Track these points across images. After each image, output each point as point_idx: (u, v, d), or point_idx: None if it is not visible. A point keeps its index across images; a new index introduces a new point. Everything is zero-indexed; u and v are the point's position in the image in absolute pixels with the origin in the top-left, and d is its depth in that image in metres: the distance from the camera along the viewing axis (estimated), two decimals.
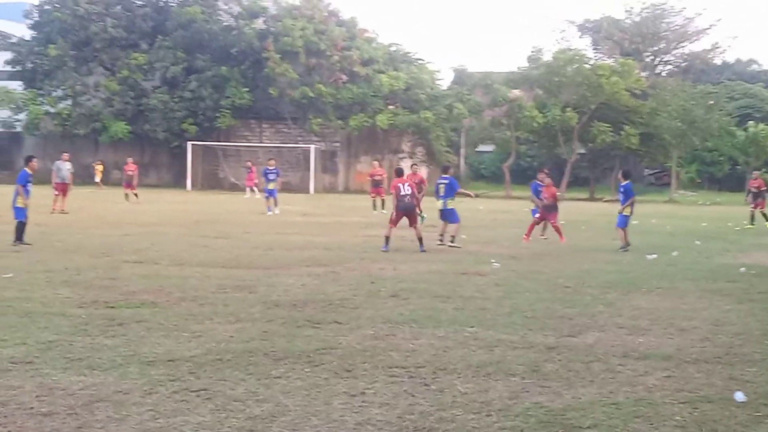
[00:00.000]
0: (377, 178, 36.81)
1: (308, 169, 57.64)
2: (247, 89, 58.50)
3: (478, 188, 63.18)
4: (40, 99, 59.39)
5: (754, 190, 34.00)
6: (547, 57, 62.42)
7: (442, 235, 22.65)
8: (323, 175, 60.04)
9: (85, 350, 9.54)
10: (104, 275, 15.41)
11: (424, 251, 20.57)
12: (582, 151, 63.47)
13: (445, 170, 23.85)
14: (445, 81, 68.11)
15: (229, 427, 7.13)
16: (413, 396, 8.15)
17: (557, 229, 24.42)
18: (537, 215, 25.42)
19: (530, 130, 61.86)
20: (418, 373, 8.97)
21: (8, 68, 61.06)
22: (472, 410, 7.73)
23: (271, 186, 34.84)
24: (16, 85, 60.61)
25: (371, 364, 9.28)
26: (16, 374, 8.48)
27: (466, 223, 30.70)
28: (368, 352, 9.79)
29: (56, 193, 31.79)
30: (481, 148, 71.30)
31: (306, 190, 56.01)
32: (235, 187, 57.54)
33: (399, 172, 22.64)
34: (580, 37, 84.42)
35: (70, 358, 9.18)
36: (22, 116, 60.02)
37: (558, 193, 25.81)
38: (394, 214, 21.63)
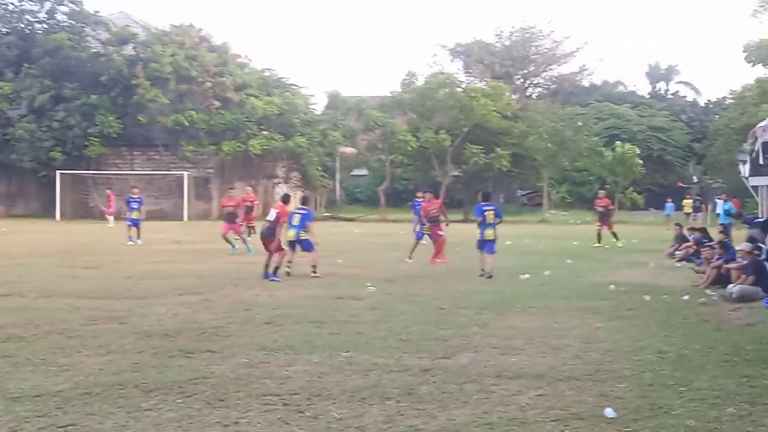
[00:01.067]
0: (248, 204, 35.02)
1: (182, 196, 57.01)
2: (116, 117, 57.60)
3: (354, 212, 63.46)
4: None
5: (600, 209, 34.10)
6: (420, 81, 63.13)
7: (290, 263, 21.80)
8: (197, 201, 59.47)
9: None
10: None
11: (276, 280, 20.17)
12: (456, 173, 64.25)
13: (304, 201, 24.05)
14: (319, 106, 68.32)
15: None
16: (287, 424, 8.09)
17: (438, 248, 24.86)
18: (420, 237, 25.69)
19: (404, 154, 62.37)
20: (293, 400, 8.91)
21: None
22: None
23: (134, 215, 33.70)
24: None
25: (245, 392, 9.18)
26: None
27: (342, 247, 30.82)
28: (242, 381, 9.68)
29: None
30: (356, 172, 71.66)
31: (180, 218, 55.37)
32: (103, 216, 56.55)
33: (285, 199, 22.27)
34: (452, 61, 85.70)
35: None
36: None
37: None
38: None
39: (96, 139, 57.34)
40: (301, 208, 22.51)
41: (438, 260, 25.13)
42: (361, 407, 8.67)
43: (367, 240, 35.78)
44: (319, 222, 54.60)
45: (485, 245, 21.77)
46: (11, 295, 17.13)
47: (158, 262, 24.65)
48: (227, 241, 28.77)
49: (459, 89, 62.96)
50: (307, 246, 21.75)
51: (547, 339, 12.40)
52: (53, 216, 55.37)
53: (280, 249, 20.97)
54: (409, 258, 25.37)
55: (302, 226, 21.65)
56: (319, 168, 63.77)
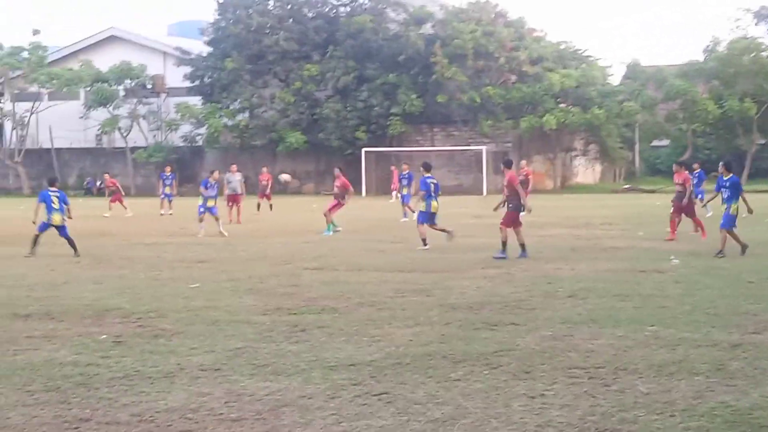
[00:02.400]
0: (522, 177, 35.47)
1: (480, 170, 57.57)
2: (417, 95, 58.85)
3: (655, 183, 61.86)
4: (219, 113, 61.16)
5: None
6: (722, 47, 60.61)
7: (425, 240, 21.79)
8: (495, 176, 59.77)
9: (270, 356, 9.80)
10: (286, 282, 15.79)
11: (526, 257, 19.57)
12: (762, 141, 61.32)
13: (428, 168, 22.84)
14: (616, 77, 67.03)
15: (410, 430, 7.20)
16: (594, 397, 8.06)
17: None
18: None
19: (706, 123, 60.17)
20: (598, 373, 8.87)
21: (187, 84, 63.17)
22: (654, 411, 7.60)
23: (404, 191, 34.29)
24: (196, 101, 62.64)
25: (550, 365, 9.23)
26: (205, 381, 8.79)
27: (642, 220, 30.22)
28: (546, 353, 9.73)
29: (229, 204, 32.63)
30: (656, 142, 69.83)
31: (479, 192, 55.96)
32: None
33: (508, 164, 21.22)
34: (756, 25, 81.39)
35: (256, 364, 9.45)
36: (202, 130, 61.98)
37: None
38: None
39: (397, 118, 58.87)
40: (433, 177, 22.41)
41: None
42: (669, 382, 8.51)
43: (668, 212, 34.79)
44: (618, 194, 53.74)
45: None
46: (324, 268, 17.98)
47: (459, 237, 25.04)
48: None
49: (765, 54, 59.92)
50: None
51: None
52: (359, 192, 57.34)
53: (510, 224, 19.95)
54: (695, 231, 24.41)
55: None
56: (618, 139, 62.66)
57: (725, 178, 19.87)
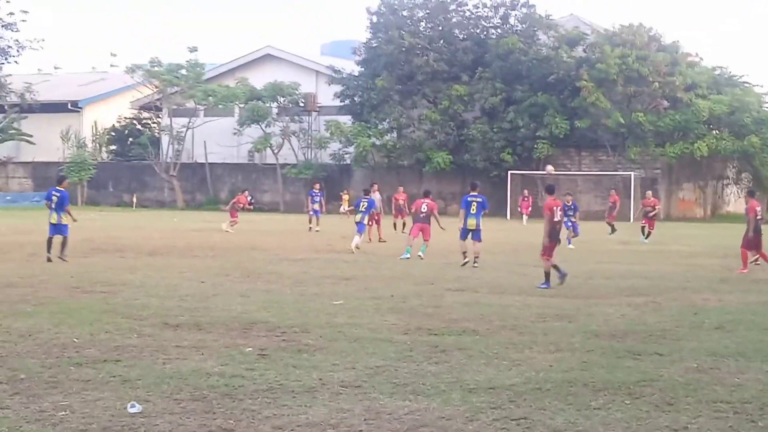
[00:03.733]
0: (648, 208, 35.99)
1: (629, 196, 56.60)
2: (564, 118, 58.26)
3: None
4: (368, 132, 61.75)
5: None
6: None
7: (465, 253, 22.84)
8: (641, 203, 58.78)
9: (410, 376, 9.85)
10: (428, 303, 15.84)
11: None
12: None
13: (474, 187, 23.77)
14: None
15: None
16: None
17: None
18: None
19: None
20: (744, 408, 8.62)
21: (337, 102, 64.04)
22: None
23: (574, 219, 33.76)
24: (345, 119, 63.43)
25: (694, 398, 9.01)
26: (346, 397, 8.88)
27: None
28: (691, 386, 9.51)
29: (369, 223, 32.79)
30: None
31: (626, 218, 55.05)
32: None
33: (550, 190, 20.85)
34: None
35: (395, 383, 9.50)
36: (351, 149, 62.71)
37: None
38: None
39: (544, 141, 58.37)
40: (475, 195, 23.04)
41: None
42: None
43: None
44: None
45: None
46: (465, 290, 17.98)
47: (605, 263, 24.74)
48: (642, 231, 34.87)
49: None
50: (479, 235, 22.98)
51: None
52: (504, 215, 57.10)
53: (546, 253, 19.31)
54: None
55: (479, 212, 22.97)
56: None
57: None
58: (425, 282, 19.26)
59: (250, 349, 11.20)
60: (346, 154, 63.39)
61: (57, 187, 23.97)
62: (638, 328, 13.22)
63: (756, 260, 23.38)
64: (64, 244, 22.90)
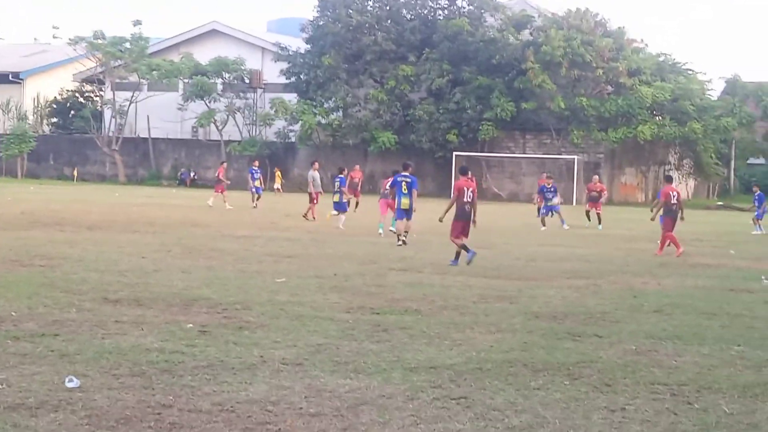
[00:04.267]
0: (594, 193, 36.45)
1: (572, 180, 57.07)
2: (510, 100, 58.50)
3: (749, 202, 60.65)
4: (313, 110, 61.55)
5: None
6: None
7: (405, 233, 23.36)
8: (586, 184, 59.25)
9: (351, 354, 9.86)
10: (371, 282, 15.86)
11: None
12: None
13: (406, 168, 24.34)
14: (716, 91, 65.91)
15: None
16: (675, 414, 7.95)
17: None
18: None
19: None
20: (681, 390, 8.73)
21: (283, 80, 63.68)
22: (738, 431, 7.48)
23: (554, 202, 34.07)
24: (291, 97, 63.14)
25: (632, 379, 9.12)
26: (286, 375, 8.87)
27: (734, 238, 29.71)
28: (629, 368, 9.62)
29: (315, 202, 32.67)
30: (753, 160, 68.52)
31: (569, 202, 55.48)
32: (497, 198, 57.79)
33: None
34: None
35: (337, 361, 9.51)
36: (296, 127, 62.48)
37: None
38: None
39: (489, 123, 58.62)
40: (406, 175, 23.69)
41: None
42: (753, 403, 8.36)
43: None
44: (711, 211, 52.75)
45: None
46: (409, 270, 18.03)
47: (547, 245, 24.94)
48: (587, 216, 34.13)
49: None
50: (410, 214, 23.62)
51: None
52: (448, 196, 57.19)
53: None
54: None
55: (410, 192, 23.25)
56: (713, 155, 61.65)
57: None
58: (369, 261, 19.28)
59: (191, 325, 11.14)
60: (291, 132, 63.15)
61: None
62: (578, 311, 13.35)
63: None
64: None
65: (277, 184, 55.96)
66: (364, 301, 13.61)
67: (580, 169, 57.16)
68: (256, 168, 41.88)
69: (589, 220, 34.16)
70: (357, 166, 41.27)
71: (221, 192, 39.55)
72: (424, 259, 20.11)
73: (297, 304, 13.06)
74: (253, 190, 40.50)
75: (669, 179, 26.25)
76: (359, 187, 39.02)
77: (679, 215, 23.45)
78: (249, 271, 16.80)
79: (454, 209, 19.75)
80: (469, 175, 20.74)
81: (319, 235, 25.75)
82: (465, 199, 19.59)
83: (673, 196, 23.61)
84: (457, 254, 19.24)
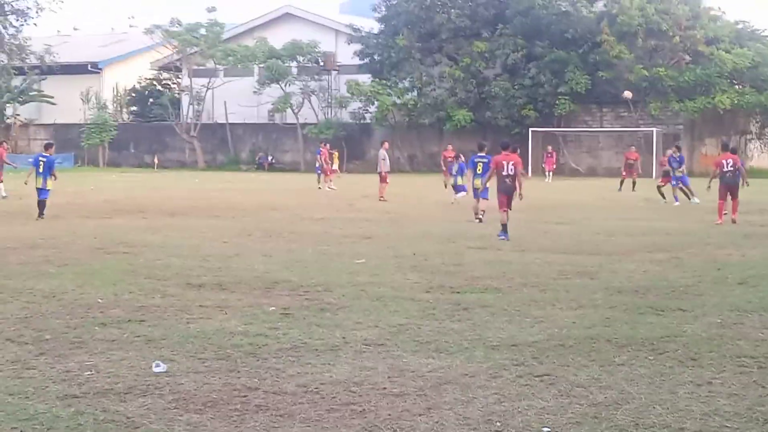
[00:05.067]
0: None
1: (650, 152, 56.29)
2: (585, 74, 57.82)
3: None
4: (388, 90, 61.49)
5: None
6: None
7: (479, 212, 23.54)
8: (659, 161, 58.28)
9: (432, 333, 9.88)
10: (450, 261, 15.86)
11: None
12: None
13: (481, 148, 24.16)
14: None
15: (572, 413, 7.16)
16: (763, 387, 7.84)
17: None
18: None
19: None
20: None
21: (357, 61, 63.72)
22: None
23: (678, 173, 32.79)
24: (365, 78, 63.15)
25: (718, 353, 9.00)
26: (369, 356, 8.93)
27: None
28: (714, 341, 9.50)
29: (386, 182, 32.64)
30: None
31: (648, 175, 54.76)
32: (575, 173, 57.30)
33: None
34: None
35: (419, 341, 9.54)
36: (371, 108, 62.51)
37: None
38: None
39: (565, 97, 58.04)
40: (482, 156, 23.49)
41: None
42: None
43: None
44: None
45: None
46: (487, 248, 17.98)
47: (627, 219, 24.66)
48: (660, 193, 31.99)
49: None
50: (485, 194, 23.44)
51: None
52: (525, 172, 56.88)
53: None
54: None
55: (485, 173, 22.80)
56: None
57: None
58: (447, 240, 19.26)
59: (273, 308, 11.25)
60: (367, 113, 63.21)
61: (44, 153, 24.94)
62: (660, 284, 13.21)
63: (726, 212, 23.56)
64: (43, 205, 23.83)
65: (335, 165, 56.02)
66: (443, 280, 13.61)
67: (659, 141, 56.29)
68: (323, 149, 42.39)
69: (664, 197, 32.50)
70: (450, 146, 41.29)
71: (329, 174, 40.17)
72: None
73: (377, 284, 13.11)
74: (319, 171, 41.24)
75: (725, 146, 25.85)
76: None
77: (741, 182, 23.36)
78: (329, 253, 16.91)
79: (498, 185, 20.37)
80: (510, 150, 20.55)
81: (397, 215, 25.78)
82: (505, 173, 19.99)
83: (727, 164, 23.37)
84: (504, 226, 19.64)
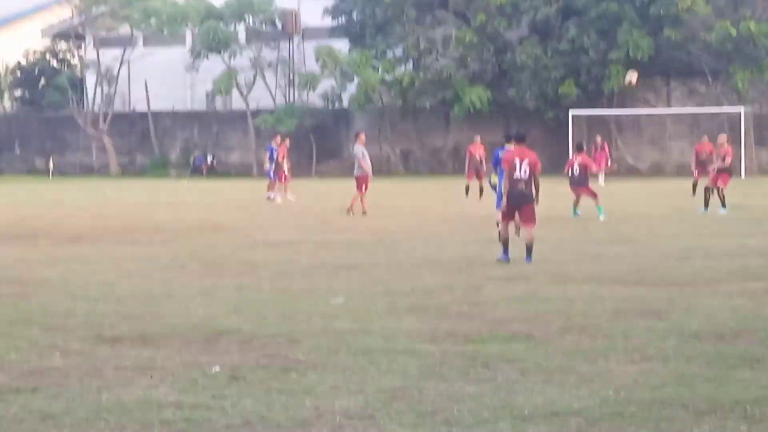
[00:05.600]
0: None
1: (738, 142, 56.37)
2: (645, 34, 57.65)
3: None
4: (373, 62, 61.32)
5: None
6: None
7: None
8: (759, 149, 58.37)
9: (440, 400, 9.87)
10: (462, 298, 15.86)
11: None
12: None
13: (508, 139, 22.86)
14: None
15: None
16: None
17: None
18: None
19: None
20: None
21: (329, 22, 63.54)
22: None
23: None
24: (341, 45, 63.04)
25: None
26: None
27: None
28: None
29: (364, 190, 32.22)
30: None
31: (736, 172, 54.83)
32: (634, 171, 57.32)
33: None
34: None
35: (420, 410, 9.52)
36: (351, 86, 62.25)
37: None
38: None
39: (618, 66, 57.78)
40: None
41: None
42: None
43: None
44: None
45: None
46: (514, 278, 17.98)
47: (708, 236, 24.71)
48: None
49: None
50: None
51: None
52: (562, 173, 56.90)
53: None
54: None
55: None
56: None
57: None
58: (457, 269, 19.27)
59: (218, 368, 11.24)
60: (344, 93, 63.11)
61: None
62: (755, 325, 13.24)
63: None
64: None
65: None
66: (454, 325, 13.61)
67: (750, 126, 56.29)
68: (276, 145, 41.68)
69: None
70: (478, 138, 41.22)
71: (283, 181, 39.74)
72: (534, 262, 19.96)
73: (361, 333, 13.10)
74: (270, 175, 41.03)
75: None
76: (483, 167, 38.42)
77: None
78: (294, 291, 16.90)
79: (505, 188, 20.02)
80: (525, 143, 20.44)
81: (387, 235, 25.79)
82: (517, 176, 19.74)
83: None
84: (505, 244, 19.87)
